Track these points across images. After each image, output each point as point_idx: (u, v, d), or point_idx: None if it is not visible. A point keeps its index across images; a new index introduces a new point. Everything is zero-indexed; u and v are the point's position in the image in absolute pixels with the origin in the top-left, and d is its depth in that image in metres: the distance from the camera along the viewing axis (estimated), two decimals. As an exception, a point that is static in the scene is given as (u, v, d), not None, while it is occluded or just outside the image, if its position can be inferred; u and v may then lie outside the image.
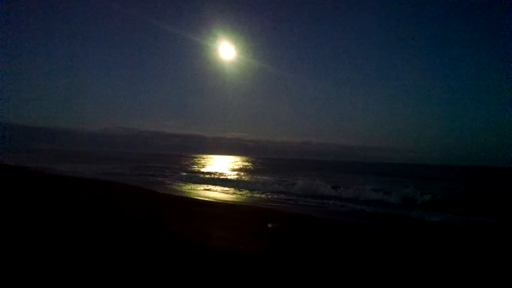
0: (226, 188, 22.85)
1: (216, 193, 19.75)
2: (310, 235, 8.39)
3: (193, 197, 16.83)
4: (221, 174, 38.75)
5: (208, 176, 34.58)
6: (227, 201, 16.10)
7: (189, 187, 22.80)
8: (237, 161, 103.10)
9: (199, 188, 22.32)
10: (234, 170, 50.23)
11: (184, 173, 36.29)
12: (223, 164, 73.86)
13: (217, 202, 15.04)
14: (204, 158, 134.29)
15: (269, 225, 12.88)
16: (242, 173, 41.41)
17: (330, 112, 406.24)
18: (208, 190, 21.57)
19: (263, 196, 19.31)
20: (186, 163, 72.42)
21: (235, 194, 19.89)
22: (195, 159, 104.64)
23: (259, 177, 34.72)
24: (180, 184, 25.16)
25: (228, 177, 33.45)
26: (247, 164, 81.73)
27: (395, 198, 18.29)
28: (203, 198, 16.39)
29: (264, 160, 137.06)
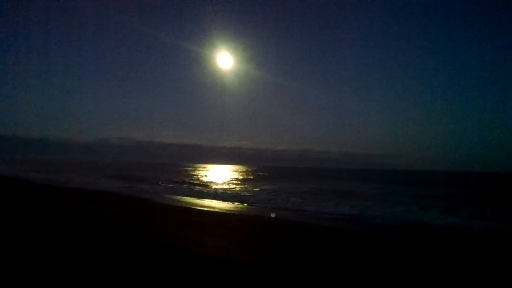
0: (220, 197, 22.71)
1: (209, 202, 19.61)
2: (304, 242, 8.39)
3: (186, 205, 16.76)
4: (216, 183, 38.61)
5: (202, 185, 34.44)
6: (220, 209, 16.04)
7: (182, 196, 22.62)
8: (234, 170, 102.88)
9: (191, 197, 22.16)
10: (229, 179, 50.06)
11: (177, 183, 36.08)
12: (219, 173, 73.67)
13: (210, 211, 14.96)
14: (201, 167, 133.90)
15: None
16: (237, 182, 41.25)
17: (330, 120, 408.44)
18: (201, 199, 21.41)
19: (258, 204, 19.20)
20: (182, 172, 72.11)
21: (229, 202, 19.79)
22: (192, 169, 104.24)
23: (255, 185, 34.60)
24: (173, 193, 24.97)
25: (223, 186, 33.32)
26: (244, 173, 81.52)
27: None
28: (196, 207, 16.35)
29: (263, 168, 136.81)
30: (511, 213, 15.51)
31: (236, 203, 19.67)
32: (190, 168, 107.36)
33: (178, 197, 22.14)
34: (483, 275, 6.09)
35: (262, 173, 78.18)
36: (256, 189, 29.24)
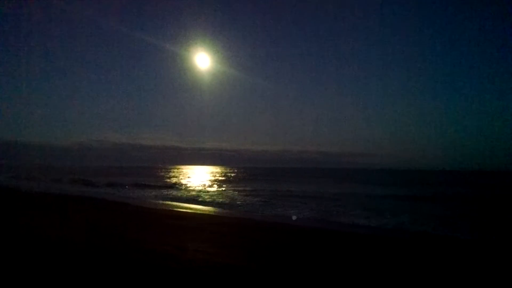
0: (201, 200, 22.55)
1: (190, 205, 19.39)
2: (287, 245, 8.43)
3: (167, 209, 16.48)
4: (196, 185, 38.18)
5: (182, 187, 33.98)
6: (202, 213, 15.87)
7: (162, 200, 22.26)
8: (215, 172, 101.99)
9: (172, 201, 21.84)
10: (210, 181, 49.65)
11: (157, 185, 35.36)
12: (199, 175, 72.79)
13: (192, 214, 14.80)
14: (181, 169, 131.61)
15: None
16: (218, 184, 41.00)
17: (310, 119, 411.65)
18: (181, 202, 21.14)
19: (239, 206, 19.19)
20: (161, 175, 70.67)
21: (211, 205, 19.65)
22: (172, 171, 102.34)
23: (236, 187, 34.53)
24: (152, 196, 24.52)
25: (204, 188, 33.03)
26: (224, 174, 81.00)
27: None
28: (177, 210, 16.07)
29: (243, 169, 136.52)
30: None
31: (216, 206, 19.52)
32: (170, 171, 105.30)
33: (158, 200, 21.74)
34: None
35: (242, 174, 77.86)
36: (236, 191, 29.25)
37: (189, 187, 35.38)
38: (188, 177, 62.92)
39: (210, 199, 22.83)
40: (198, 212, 16.08)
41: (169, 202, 20.71)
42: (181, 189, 32.28)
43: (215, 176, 69.47)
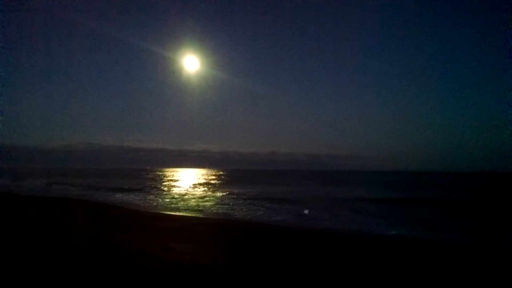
0: (186, 202, 22.29)
1: (175, 207, 19.20)
2: (271, 246, 8.45)
3: (153, 211, 16.32)
4: (182, 187, 37.76)
5: (168, 190, 33.53)
6: (188, 214, 15.78)
7: (146, 202, 21.84)
8: (202, 174, 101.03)
9: (156, 203, 21.48)
10: (197, 183, 49.14)
11: (142, 188, 34.73)
12: (186, 177, 71.94)
13: (178, 216, 14.67)
14: (168, 171, 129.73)
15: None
16: (205, 186, 40.61)
17: (298, 122, 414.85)
18: (166, 204, 20.85)
19: (225, 208, 19.08)
20: (148, 177, 69.58)
21: (196, 207, 19.46)
22: (159, 173, 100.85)
23: (223, 189, 34.32)
24: (139, 198, 24.04)
25: (190, 191, 32.69)
26: (212, 176, 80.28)
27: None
28: (161, 212, 15.96)
29: (231, 172, 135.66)
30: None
31: (202, 207, 19.33)
32: (154, 173, 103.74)
33: (145, 203, 21.33)
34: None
35: (229, 177, 77.21)
36: (222, 193, 29.06)
37: (175, 189, 34.92)
38: (175, 179, 62.07)
39: (195, 201, 22.57)
40: (183, 214, 15.96)
41: (153, 204, 20.35)
42: (166, 191, 31.80)
43: (202, 178, 68.79)
